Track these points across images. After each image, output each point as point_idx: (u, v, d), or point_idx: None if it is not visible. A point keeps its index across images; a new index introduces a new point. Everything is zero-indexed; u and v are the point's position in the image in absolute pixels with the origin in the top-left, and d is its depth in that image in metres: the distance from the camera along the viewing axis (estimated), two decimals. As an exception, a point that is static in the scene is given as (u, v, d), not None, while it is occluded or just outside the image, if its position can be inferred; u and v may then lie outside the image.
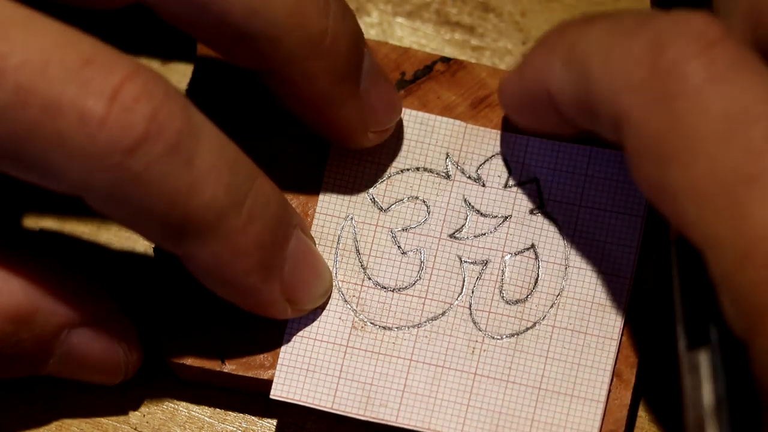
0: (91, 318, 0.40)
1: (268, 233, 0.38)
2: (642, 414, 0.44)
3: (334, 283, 0.42)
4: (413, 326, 0.42)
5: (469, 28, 0.48)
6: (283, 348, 0.42)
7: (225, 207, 0.37)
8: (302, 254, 0.40)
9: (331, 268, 0.42)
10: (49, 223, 0.45)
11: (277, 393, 0.41)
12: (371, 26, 0.48)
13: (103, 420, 0.43)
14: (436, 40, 0.48)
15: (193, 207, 0.36)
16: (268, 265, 0.39)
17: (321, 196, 0.43)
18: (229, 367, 0.42)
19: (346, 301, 0.42)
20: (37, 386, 0.43)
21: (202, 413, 0.43)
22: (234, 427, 0.43)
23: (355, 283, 0.42)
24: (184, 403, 0.44)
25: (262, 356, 0.42)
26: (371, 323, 0.42)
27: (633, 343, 0.42)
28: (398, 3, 0.48)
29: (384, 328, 0.42)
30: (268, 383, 0.42)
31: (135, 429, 0.43)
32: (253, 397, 0.43)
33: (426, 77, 0.44)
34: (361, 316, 0.42)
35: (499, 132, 0.44)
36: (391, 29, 0.48)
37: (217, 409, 0.44)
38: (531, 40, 0.48)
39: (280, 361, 0.41)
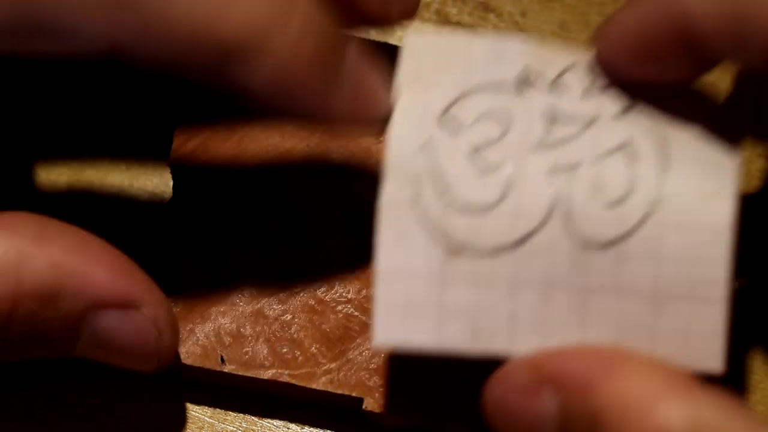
0: (123, 299, 0.38)
1: (323, 45, 0.36)
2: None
3: (418, 213, 0.38)
4: (508, 247, 0.37)
5: (469, 28, 0.48)
6: (378, 292, 0.37)
7: (267, 25, 0.35)
8: (361, 65, 0.38)
9: (410, 202, 0.38)
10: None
11: (379, 340, 0.37)
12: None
13: (103, 419, 0.43)
14: (436, 40, 0.48)
15: (230, 26, 0.35)
16: (328, 71, 0.37)
17: (394, 124, 0.39)
18: (229, 367, 0.42)
19: (433, 230, 0.38)
20: (36, 386, 0.43)
21: (203, 413, 0.43)
22: (234, 427, 0.43)
23: (441, 211, 0.38)
24: (184, 403, 0.43)
25: (262, 356, 0.42)
26: (464, 249, 0.37)
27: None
28: (398, 3, 0.48)
29: (478, 252, 0.37)
30: (268, 383, 0.42)
31: (135, 429, 0.43)
32: (253, 396, 0.43)
33: None
34: (452, 244, 0.37)
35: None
36: (391, 29, 0.48)
37: (218, 410, 0.43)
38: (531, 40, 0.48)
39: (376, 307, 0.37)
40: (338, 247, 0.43)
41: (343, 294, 0.43)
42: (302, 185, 0.44)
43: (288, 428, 0.43)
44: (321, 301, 0.42)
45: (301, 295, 0.43)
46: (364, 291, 0.42)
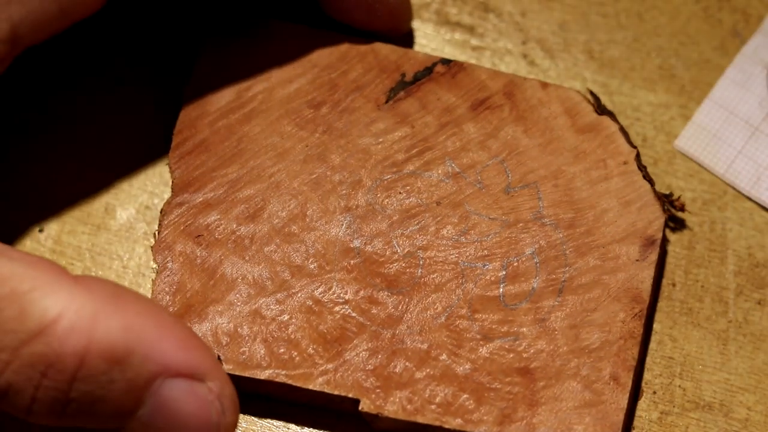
0: (190, 370, 0.37)
1: None
2: (641, 414, 0.44)
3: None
4: None
5: (469, 28, 0.48)
6: (700, 110, 0.44)
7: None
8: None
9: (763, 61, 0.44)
10: (50, 223, 0.45)
11: (680, 144, 0.44)
12: (371, 26, 0.48)
13: (103, 420, 0.43)
14: (436, 40, 0.48)
15: None
16: None
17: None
18: (227, 367, 0.42)
19: None
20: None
21: (202, 413, 0.43)
22: (234, 427, 0.43)
23: None
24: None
25: (259, 356, 0.42)
26: None
27: (630, 346, 0.42)
28: (398, 3, 0.48)
29: None
30: (265, 383, 0.42)
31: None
32: (253, 397, 0.43)
33: (426, 78, 0.44)
34: None
35: (499, 135, 0.44)
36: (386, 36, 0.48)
37: (217, 409, 0.43)
38: (531, 41, 0.48)
39: (694, 118, 0.44)
40: (337, 244, 0.43)
41: (341, 295, 0.43)
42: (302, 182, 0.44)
43: (288, 428, 0.43)
44: (318, 302, 0.42)
45: (299, 295, 0.43)
46: (362, 292, 0.43)
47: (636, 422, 0.44)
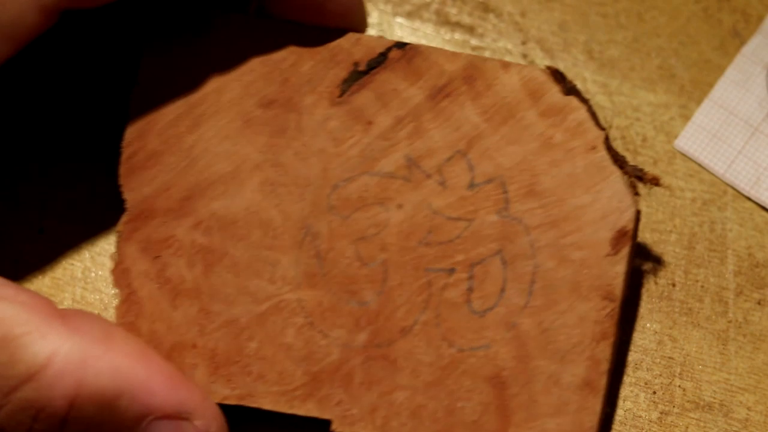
0: (178, 410, 0.38)
1: None
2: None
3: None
4: None
5: (469, 29, 0.48)
6: (699, 111, 0.42)
7: None
8: None
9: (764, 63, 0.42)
10: (50, 223, 0.45)
11: (680, 144, 0.42)
12: (371, 26, 0.48)
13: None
14: (435, 40, 0.48)
15: None
16: None
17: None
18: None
19: None
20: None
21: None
22: (234, 427, 0.43)
23: None
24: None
25: (226, 376, 0.41)
26: None
27: (603, 348, 0.40)
28: (398, 3, 0.48)
29: None
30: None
31: None
32: (245, 423, 0.43)
33: (380, 67, 0.42)
34: None
35: (460, 126, 0.41)
36: (390, 29, 0.48)
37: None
38: (531, 40, 0.48)
39: (694, 119, 0.42)
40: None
41: (306, 308, 0.41)
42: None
43: None
44: (283, 317, 0.41)
45: (263, 310, 0.41)
46: (326, 303, 0.41)
47: (636, 422, 0.44)
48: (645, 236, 0.45)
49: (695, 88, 0.47)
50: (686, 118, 0.47)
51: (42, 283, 0.45)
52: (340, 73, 0.42)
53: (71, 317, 0.38)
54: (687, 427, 0.44)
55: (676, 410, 0.44)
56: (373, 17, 0.48)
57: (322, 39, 0.42)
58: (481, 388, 0.40)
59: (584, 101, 0.42)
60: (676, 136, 0.46)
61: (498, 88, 0.41)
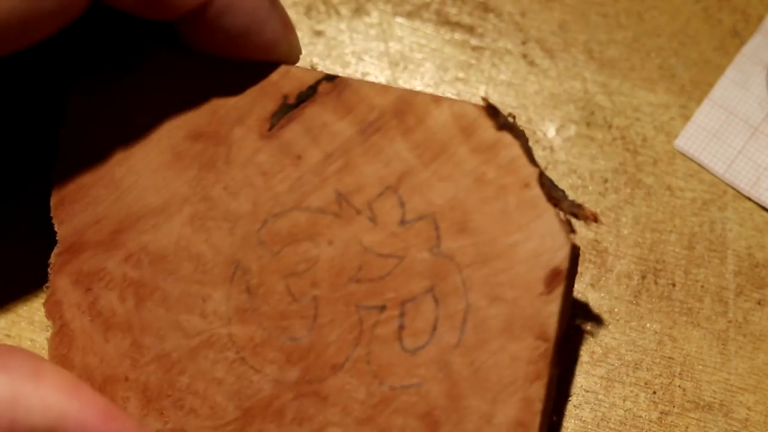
0: None
1: None
2: None
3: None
4: None
5: (469, 28, 0.48)
6: (699, 111, 0.42)
7: None
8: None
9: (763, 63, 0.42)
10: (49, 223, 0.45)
11: (680, 144, 0.42)
12: (371, 26, 0.48)
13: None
14: (435, 40, 0.48)
15: None
16: None
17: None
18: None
19: None
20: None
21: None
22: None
23: None
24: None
25: (160, 410, 0.41)
26: None
27: (536, 389, 0.39)
28: (398, 3, 0.48)
29: None
30: None
31: None
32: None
33: (310, 100, 0.41)
34: None
35: (391, 162, 0.40)
36: (390, 29, 0.48)
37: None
38: (531, 40, 0.48)
39: (694, 118, 0.42)
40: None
41: (236, 344, 0.41)
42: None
43: None
44: (214, 353, 0.41)
45: (194, 347, 0.41)
46: (257, 340, 0.40)
47: (636, 422, 0.44)
48: (645, 236, 0.45)
49: (695, 88, 0.47)
50: (686, 118, 0.47)
51: (42, 283, 0.45)
52: (269, 105, 0.41)
53: (0, 355, 0.37)
54: (687, 427, 0.44)
55: (676, 410, 0.44)
56: (373, 17, 0.48)
57: (252, 72, 0.41)
58: (413, 426, 0.39)
59: (518, 136, 0.40)
60: (676, 136, 0.46)
61: (429, 124, 0.40)
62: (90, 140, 0.41)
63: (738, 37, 0.48)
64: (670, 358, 0.44)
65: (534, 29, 0.48)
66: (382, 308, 0.40)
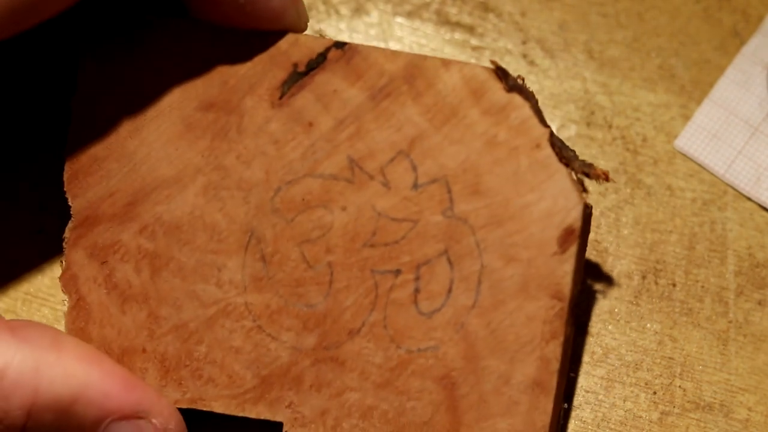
0: (135, 409, 0.38)
1: None
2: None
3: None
4: None
5: (469, 28, 0.48)
6: (699, 111, 0.42)
7: None
8: None
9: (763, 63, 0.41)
10: (51, 222, 0.45)
11: (680, 144, 0.42)
12: (371, 26, 0.48)
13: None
14: (435, 40, 0.48)
15: None
16: None
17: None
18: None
19: None
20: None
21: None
22: None
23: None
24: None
25: (179, 380, 0.41)
26: None
27: (553, 348, 0.40)
28: (398, 3, 0.48)
29: None
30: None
31: None
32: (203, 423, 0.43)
33: (320, 67, 0.41)
34: None
35: (402, 126, 0.41)
36: (390, 29, 0.48)
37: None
38: (531, 40, 0.48)
39: (694, 118, 0.42)
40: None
41: (253, 312, 0.41)
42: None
43: None
44: (231, 322, 0.41)
45: (211, 315, 0.41)
46: (273, 307, 0.41)
47: (636, 423, 0.44)
48: (645, 236, 0.45)
49: (695, 88, 0.47)
50: (686, 118, 0.47)
51: (41, 283, 0.45)
52: (279, 74, 0.41)
53: (20, 328, 0.38)
54: (687, 428, 0.44)
55: (676, 411, 0.44)
56: (373, 17, 0.48)
57: (261, 41, 0.41)
58: (431, 389, 0.40)
59: (528, 98, 0.40)
60: (676, 136, 0.46)
61: (439, 87, 0.41)
62: (102, 114, 0.42)
63: (738, 37, 0.48)
64: (670, 358, 0.44)
65: (534, 29, 0.48)
66: (397, 272, 0.40)
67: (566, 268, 0.39)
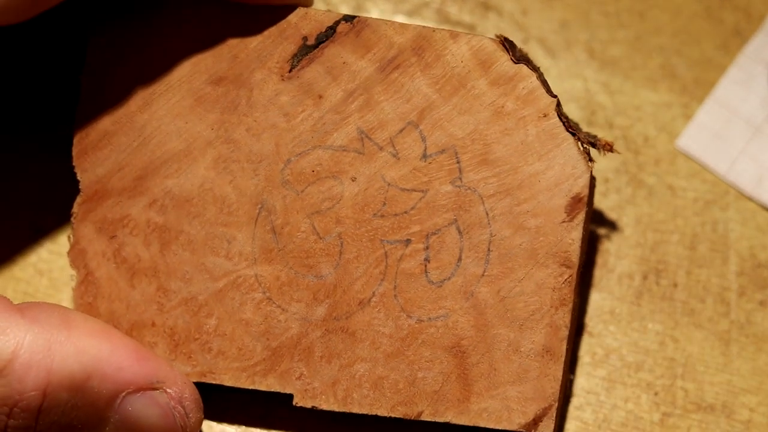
0: (148, 381, 0.38)
1: None
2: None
3: None
4: None
5: (470, 28, 0.48)
6: (702, 110, 0.42)
7: None
8: None
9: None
10: (50, 222, 0.45)
11: (682, 144, 0.43)
12: (371, 25, 0.48)
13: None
14: (436, 39, 0.48)
15: None
16: None
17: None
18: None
19: None
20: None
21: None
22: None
23: None
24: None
25: (189, 353, 0.41)
26: None
27: (562, 315, 0.40)
28: (398, 1, 0.48)
29: None
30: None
31: None
32: (211, 398, 0.43)
33: (329, 40, 0.41)
34: None
35: (411, 98, 0.41)
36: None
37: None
38: (531, 39, 0.47)
39: (695, 118, 0.43)
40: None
41: (263, 284, 0.41)
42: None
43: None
44: (241, 294, 0.41)
45: (221, 288, 0.41)
46: (284, 279, 0.41)
47: (638, 424, 0.44)
48: (647, 236, 0.45)
49: (697, 88, 0.47)
50: (688, 117, 0.46)
51: (39, 283, 0.45)
52: (289, 47, 0.42)
53: (28, 309, 0.38)
54: (689, 429, 0.44)
55: (678, 411, 0.44)
56: (374, 16, 0.48)
57: (270, 15, 0.42)
58: (441, 358, 0.41)
59: (535, 69, 0.41)
60: (677, 136, 0.46)
61: (448, 59, 0.41)
62: (111, 88, 0.42)
63: (740, 37, 0.47)
64: (671, 359, 0.44)
65: (535, 28, 0.48)
66: (407, 242, 0.41)
67: (574, 235, 0.40)
